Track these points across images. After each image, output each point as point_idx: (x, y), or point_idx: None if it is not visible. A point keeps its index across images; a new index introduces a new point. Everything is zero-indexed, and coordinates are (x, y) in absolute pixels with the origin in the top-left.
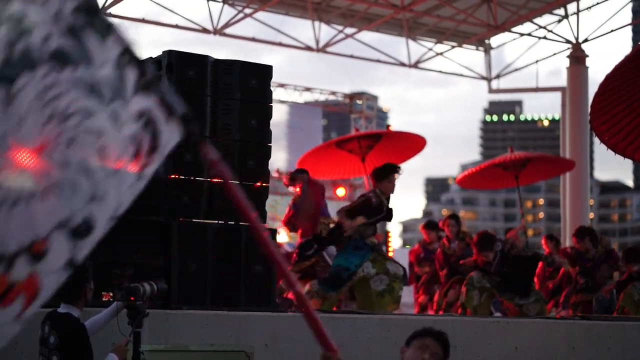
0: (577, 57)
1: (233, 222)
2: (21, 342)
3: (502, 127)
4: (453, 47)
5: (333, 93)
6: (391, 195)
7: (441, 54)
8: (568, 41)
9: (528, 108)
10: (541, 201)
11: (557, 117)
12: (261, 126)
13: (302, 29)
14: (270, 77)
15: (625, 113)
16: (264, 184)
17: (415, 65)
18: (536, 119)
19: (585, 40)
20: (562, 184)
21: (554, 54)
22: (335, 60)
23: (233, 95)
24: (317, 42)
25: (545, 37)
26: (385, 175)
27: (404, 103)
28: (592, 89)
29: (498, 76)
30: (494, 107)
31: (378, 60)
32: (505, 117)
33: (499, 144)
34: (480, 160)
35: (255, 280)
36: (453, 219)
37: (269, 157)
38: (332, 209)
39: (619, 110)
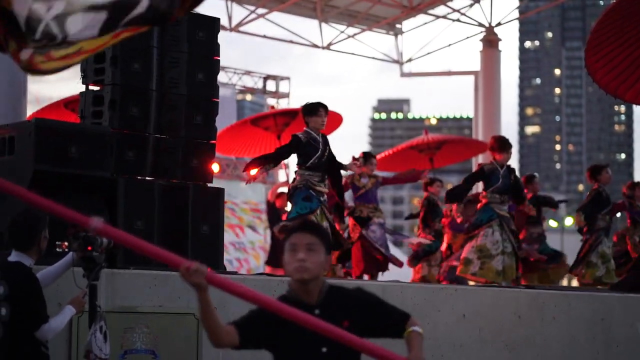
0: (490, 41)
1: (178, 181)
2: None
3: (391, 125)
4: (363, 30)
5: (248, 73)
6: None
7: (353, 36)
8: (481, 24)
9: (416, 107)
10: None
11: (444, 116)
12: (209, 80)
13: (215, 9)
14: (218, 30)
15: (619, 51)
16: (211, 142)
17: (327, 47)
18: (424, 117)
19: (499, 24)
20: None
21: (467, 37)
22: (241, 50)
23: (181, 47)
24: (230, 20)
25: (458, 20)
26: (313, 111)
27: (295, 101)
28: (504, 73)
29: (410, 60)
30: (382, 106)
31: (291, 41)
32: (393, 115)
33: (387, 142)
34: None
35: (202, 241)
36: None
37: (216, 113)
38: (247, 188)
39: (613, 48)
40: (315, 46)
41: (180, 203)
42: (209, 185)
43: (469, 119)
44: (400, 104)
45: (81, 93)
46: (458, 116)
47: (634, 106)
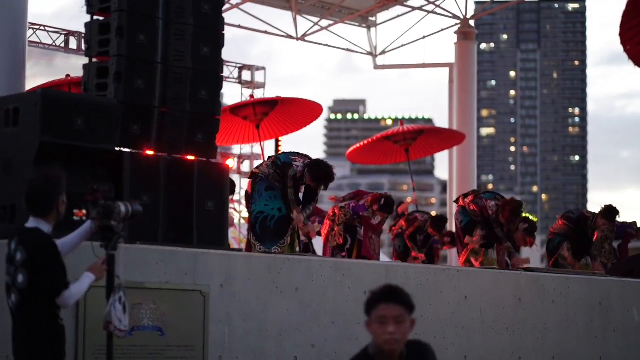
0: (465, 33)
1: (182, 155)
2: None
3: (346, 126)
4: (336, 22)
5: (224, 62)
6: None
7: (326, 28)
8: (455, 16)
9: (372, 108)
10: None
11: (400, 116)
12: (214, 54)
13: None
14: (223, 4)
15: None
16: (216, 117)
17: (302, 39)
18: (379, 118)
19: (473, 17)
20: (449, 161)
21: (442, 29)
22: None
23: (186, 20)
24: None
25: (433, 12)
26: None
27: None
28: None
29: (384, 52)
30: (338, 106)
31: (265, 32)
32: (349, 116)
33: (343, 142)
34: (325, 158)
35: (207, 217)
36: None
37: (221, 87)
38: None
39: None
40: (290, 37)
41: (185, 178)
42: (213, 161)
43: (424, 120)
44: (357, 105)
45: (84, 65)
46: (414, 117)
47: (588, 109)
